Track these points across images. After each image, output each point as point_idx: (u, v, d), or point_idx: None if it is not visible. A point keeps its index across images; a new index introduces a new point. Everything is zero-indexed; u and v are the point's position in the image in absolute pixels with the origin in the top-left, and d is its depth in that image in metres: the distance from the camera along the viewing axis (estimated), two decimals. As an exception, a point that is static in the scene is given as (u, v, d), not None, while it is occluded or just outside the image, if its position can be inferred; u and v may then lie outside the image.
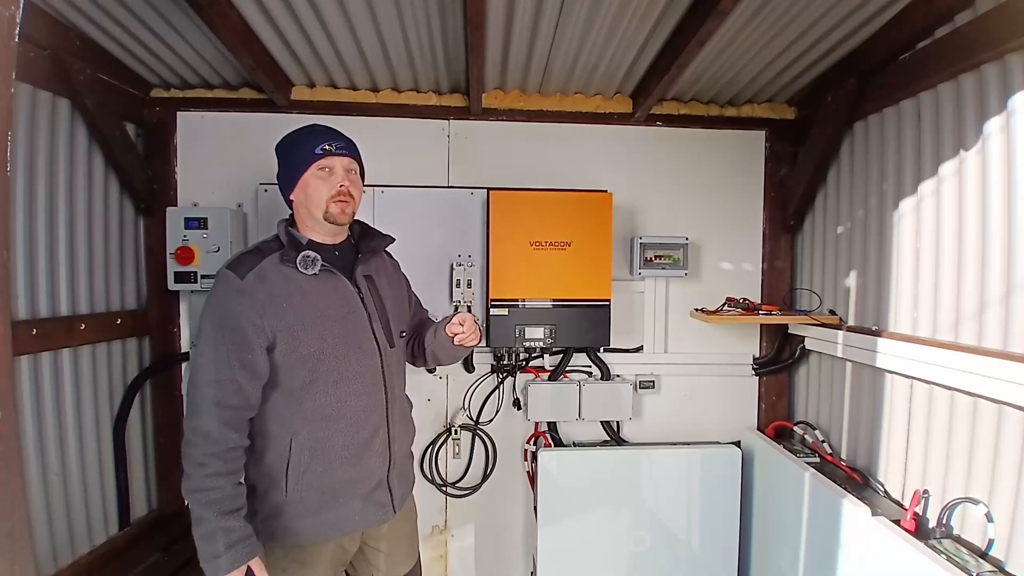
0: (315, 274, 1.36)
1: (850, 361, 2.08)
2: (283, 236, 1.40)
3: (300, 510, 1.37)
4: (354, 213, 1.44)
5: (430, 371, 2.40)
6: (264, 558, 1.30)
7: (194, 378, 1.29)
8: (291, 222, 1.45)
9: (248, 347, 1.29)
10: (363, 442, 1.42)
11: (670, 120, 2.44)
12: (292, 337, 1.33)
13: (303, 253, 1.36)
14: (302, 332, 1.34)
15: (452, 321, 1.52)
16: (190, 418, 1.29)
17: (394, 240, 1.58)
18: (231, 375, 1.27)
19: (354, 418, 1.40)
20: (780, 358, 2.50)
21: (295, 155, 1.41)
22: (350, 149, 1.44)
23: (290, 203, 1.45)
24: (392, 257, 1.67)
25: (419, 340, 1.67)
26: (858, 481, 1.98)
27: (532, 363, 2.43)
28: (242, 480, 1.31)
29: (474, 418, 2.43)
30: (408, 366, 1.66)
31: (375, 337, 1.45)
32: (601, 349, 2.42)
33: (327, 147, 1.39)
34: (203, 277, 2.14)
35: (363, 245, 1.52)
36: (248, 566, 1.26)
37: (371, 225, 1.59)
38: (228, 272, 1.31)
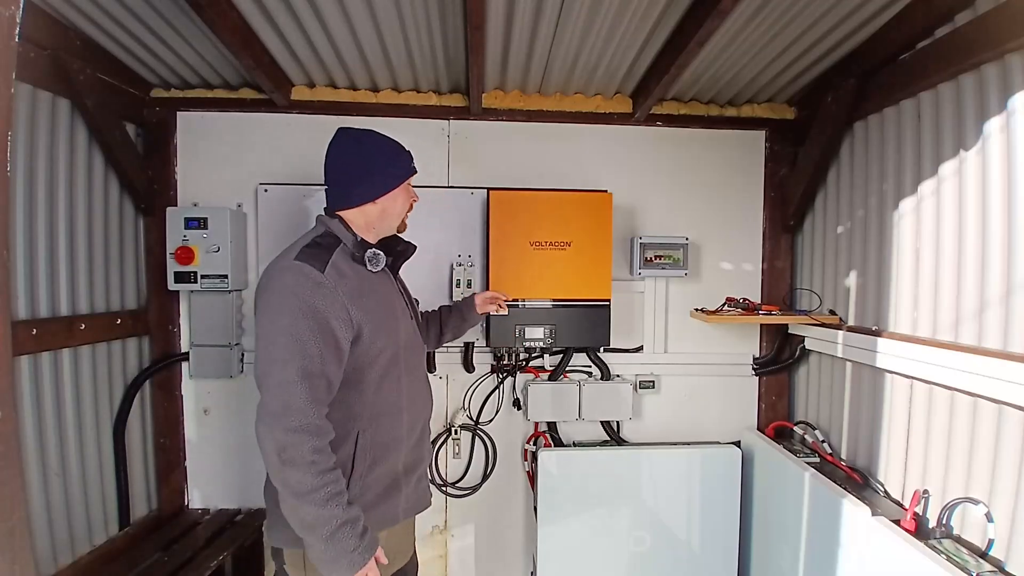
0: (377, 271, 1.43)
1: (850, 361, 2.08)
2: (343, 234, 1.41)
3: (360, 505, 1.36)
4: None
5: (430, 371, 2.40)
6: None
7: (278, 374, 1.21)
8: (341, 220, 1.44)
9: (336, 340, 1.27)
10: (419, 433, 1.52)
11: (670, 120, 2.44)
12: (373, 331, 1.35)
13: (371, 250, 1.41)
14: (380, 326, 1.37)
15: (487, 299, 1.92)
16: (282, 418, 1.19)
17: (416, 248, 1.61)
18: (322, 369, 1.25)
19: (413, 410, 1.49)
20: (780, 358, 2.50)
21: (396, 167, 1.46)
22: None
23: (350, 204, 1.43)
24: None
25: (427, 327, 1.85)
26: (858, 481, 1.98)
27: (532, 363, 2.43)
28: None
29: (474, 418, 2.43)
30: None
31: (418, 333, 1.58)
32: (601, 349, 2.42)
33: (413, 165, 1.50)
34: (203, 277, 2.14)
35: (389, 249, 1.53)
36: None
37: None
38: (304, 265, 1.29)
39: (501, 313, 1.96)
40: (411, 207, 1.53)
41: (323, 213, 1.47)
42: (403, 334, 1.47)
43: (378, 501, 1.40)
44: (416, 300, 1.78)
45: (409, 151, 1.52)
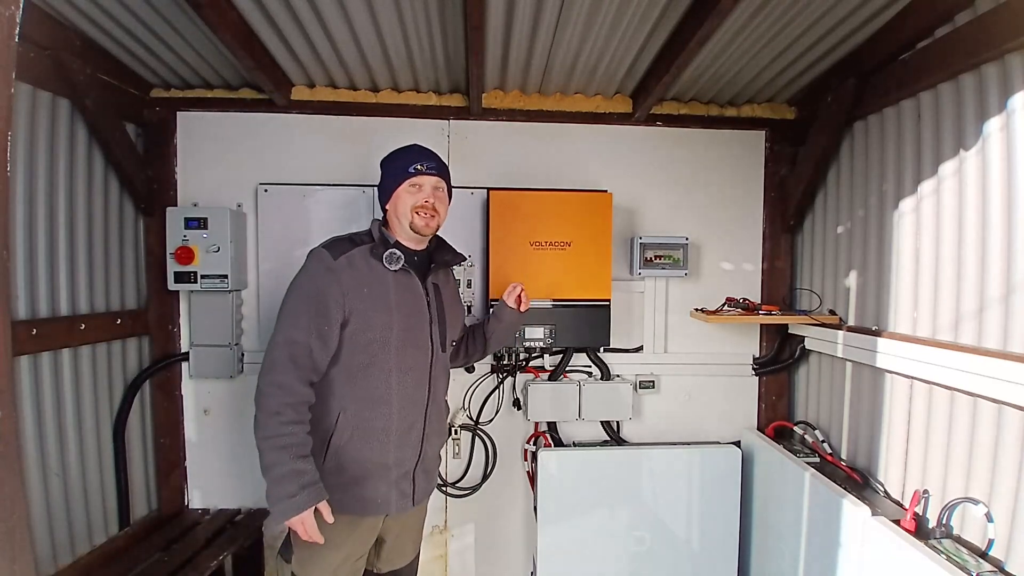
0: (395, 271, 1.54)
1: (850, 361, 2.08)
2: (376, 233, 1.59)
3: (332, 482, 1.49)
4: (438, 226, 1.63)
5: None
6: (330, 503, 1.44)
7: (275, 337, 1.46)
8: (384, 223, 1.64)
9: (327, 319, 1.46)
10: (401, 431, 1.56)
11: (670, 120, 2.44)
12: (364, 320, 1.49)
13: (390, 250, 1.54)
14: (373, 318, 1.50)
15: (509, 295, 1.86)
16: (267, 373, 1.43)
17: (466, 258, 1.80)
18: (307, 339, 1.44)
19: (397, 407, 1.55)
20: (780, 358, 2.50)
21: (393, 171, 1.60)
22: (439, 169, 1.63)
23: (385, 210, 1.65)
24: (456, 278, 1.87)
25: (471, 337, 1.95)
26: (858, 481, 1.98)
27: (532, 363, 2.43)
28: (309, 431, 1.45)
29: (474, 418, 2.43)
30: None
31: (431, 338, 1.61)
32: (601, 349, 2.42)
33: (419, 167, 1.58)
34: (203, 277, 2.14)
35: (437, 256, 1.70)
36: (317, 508, 1.40)
37: (448, 242, 1.77)
38: (323, 251, 1.51)
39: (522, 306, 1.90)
40: (424, 207, 1.57)
41: None
42: (404, 332, 1.55)
43: (355, 484, 1.52)
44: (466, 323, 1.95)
45: (415, 153, 1.62)
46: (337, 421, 1.50)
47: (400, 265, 1.54)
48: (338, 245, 1.53)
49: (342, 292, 1.47)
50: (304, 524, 1.39)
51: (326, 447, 1.50)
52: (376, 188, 1.68)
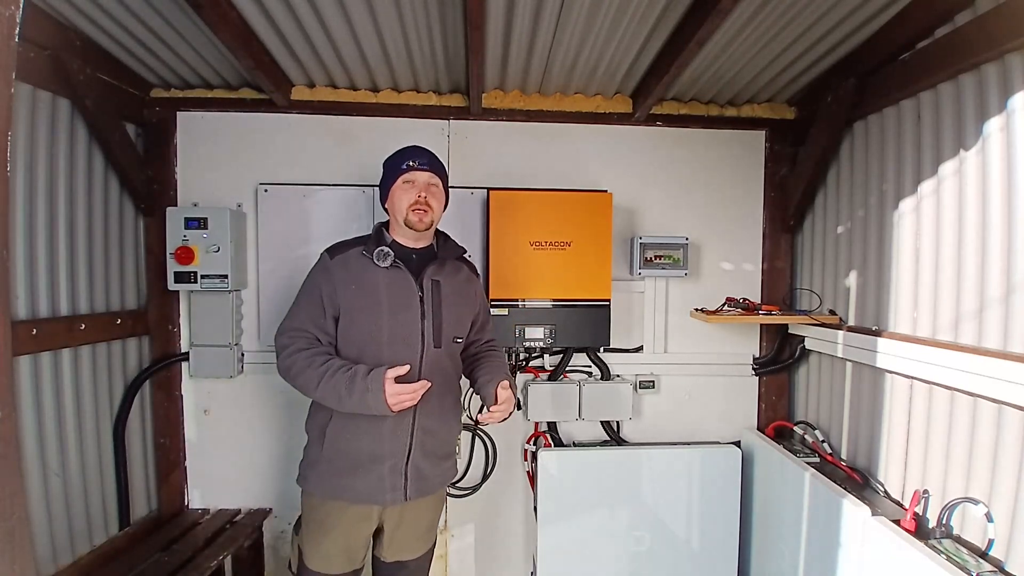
0: (387, 267, 1.59)
1: (850, 361, 2.08)
2: (374, 233, 1.67)
3: (328, 469, 1.60)
4: (432, 222, 1.65)
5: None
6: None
7: (280, 326, 1.64)
8: (386, 224, 1.72)
9: (322, 312, 1.59)
10: (388, 426, 1.58)
11: (670, 120, 2.44)
12: (350, 317, 1.59)
13: (379, 248, 1.60)
14: (358, 315, 1.58)
15: (493, 403, 1.63)
16: (280, 351, 1.61)
17: (465, 250, 1.79)
18: (304, 328, 1.59)
19: None
20: (780, 358, 2.49)
21: (389, 169, 1.67)
22: (432, 165, 1.67)
23: (386, 210, 1.71)
24: (475, 272, 1.83)
25: (471, 370, 1.80)
26: (858, 481, 1.98)
27: (532, 363, 2.43)
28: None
29: (474, 418, 2.43)
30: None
31: (422, 334, 1.61)
32: (601, 349, 2.42)
33: (411, 163, 1.63)
34: (203, 277, 2.14)
35: (440, 253, 1.72)
36: (387, 378, 1.45)
37: (451, 237, 1.79)
38: (324, 253, 1.66)
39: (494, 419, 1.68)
40: (417, 202, 1.61)
41: None
42: (392, 328, 1.58)
43: (348, 473, 1.59)
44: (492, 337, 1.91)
45: (409, 151, 1.67)
46: (332, 412, 1.57)
47: (390, 262, 1.58)
48: (340, 246, 1.65)
49: (332, 288, 1.58)
50: (397, 394, 1.45)
51: (323, 436, 1.60)
52: (377, 188, 1.72)
